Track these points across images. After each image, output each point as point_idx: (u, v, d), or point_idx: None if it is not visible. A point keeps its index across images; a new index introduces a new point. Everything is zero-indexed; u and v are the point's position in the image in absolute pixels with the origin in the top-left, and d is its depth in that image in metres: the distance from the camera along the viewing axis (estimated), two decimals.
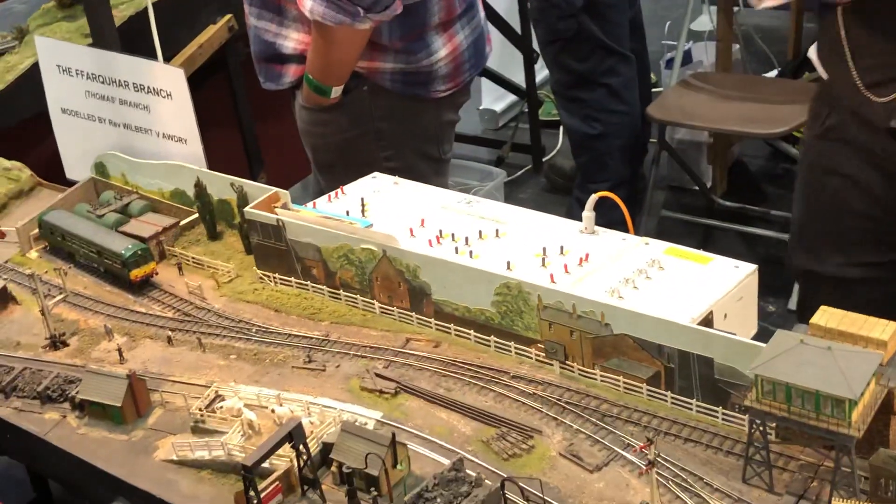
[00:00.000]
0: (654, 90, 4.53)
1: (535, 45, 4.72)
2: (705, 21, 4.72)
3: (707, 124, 3.86)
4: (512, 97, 5.03)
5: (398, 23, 2.26)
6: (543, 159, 4.76)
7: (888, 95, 1.85)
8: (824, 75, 2.01)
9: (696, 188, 4.28)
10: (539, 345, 1.63)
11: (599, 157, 4.02)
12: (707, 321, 1.59)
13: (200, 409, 1.57)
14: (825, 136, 2.03)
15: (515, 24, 4.46)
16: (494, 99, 5.06)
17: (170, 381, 1.70)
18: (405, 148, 2.43)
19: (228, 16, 3.28)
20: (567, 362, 1.61)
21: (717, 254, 1.72)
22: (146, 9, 2.97)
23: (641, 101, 4.22)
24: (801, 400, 1.27)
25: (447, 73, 2.40)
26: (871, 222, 2.01)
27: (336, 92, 2.32)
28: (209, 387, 1.64)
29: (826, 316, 1.38)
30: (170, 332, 1.81)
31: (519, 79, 4.72)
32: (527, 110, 4.73)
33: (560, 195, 4.44)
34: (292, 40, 2.38)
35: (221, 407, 1.57)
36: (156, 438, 1.59)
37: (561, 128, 4.77)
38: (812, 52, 2.05)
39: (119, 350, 1.77)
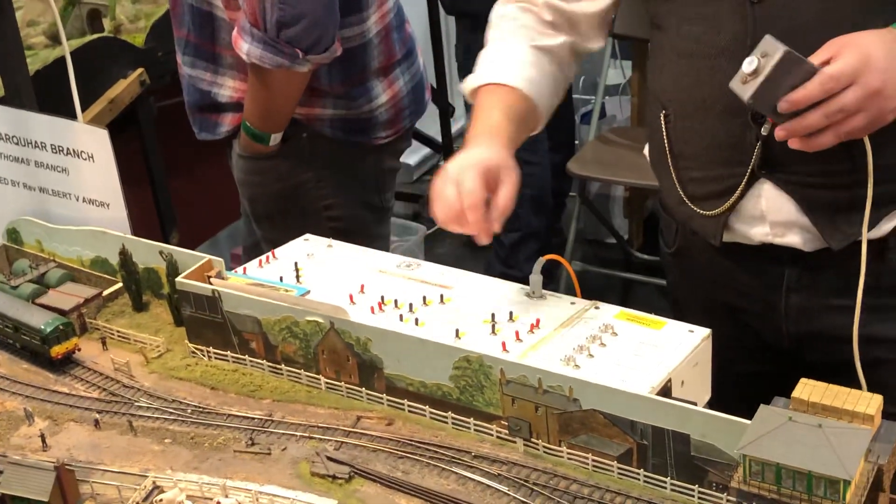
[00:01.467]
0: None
1: (451, 99, 4.70)
2: (616, 75, 4.76)
3: (625, 179, 3.87)
4: (426, 150, 4.99)
5: (338, 67, 2.20)
6: None
7: (715, 209, 1.71)
8: (658, 183, 1.87)
9: (614, 241, 4.28)
10: (501, 421, 1.55)
11: None
12: (666, 389, 1.54)
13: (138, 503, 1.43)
14: (679, 255, 1.91)
15: (431, 76, 4.43)
16: (409, 152, 5.00)
17: (100, 471, 1.56)
18: (346, 196, 2.37)
19: (140, 69, 3.17)
20: (532, 439, 1.53)
21: (637, 308, 1.69)
22: (54, 63, 2.85)
23: (564, 148, 4.21)
24: (791, 481, 1.22)
25: (387, 119, 2.35)
26: (735, 350, 1.85)
27: (275, 139, 2.24)
28: (144, 475, 1.51)
29: (808, 389, 1.33)
30: (97, 415, 1.67)
31: (434, 132, 4.69)
32: (442, 163, 4.68)
33: (478, 250, 4.39)
34: (228, 88, 2.30)
35: (161, 500, 1.44)
36: None
37: None
38: (647, 151, 1.92)
39: (42, 436, 1.62)
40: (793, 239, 1.68)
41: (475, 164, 1.58)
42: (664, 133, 1.74)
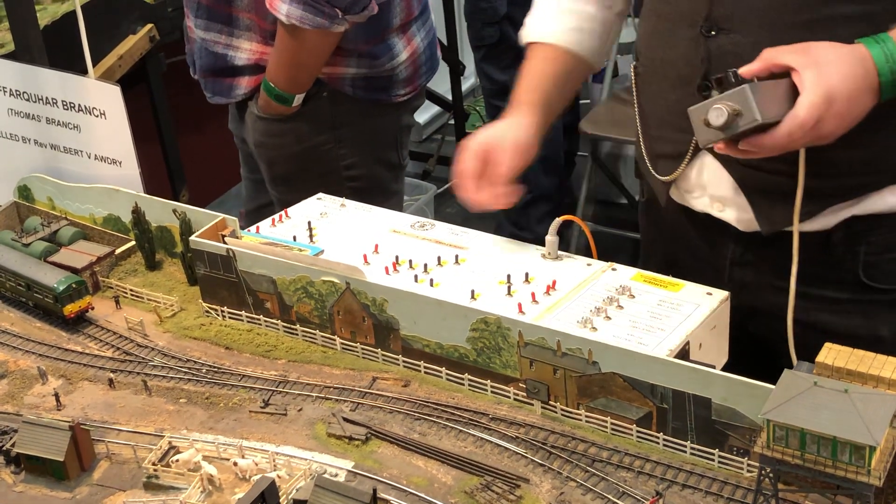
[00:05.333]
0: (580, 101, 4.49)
1: (461, 56, 4.64)
2: (629, 33, 4.69)
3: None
4: (435, 109, 4.94)
5: (362, 25, 2.17)
6: None
7: (670, 174, 1.69)
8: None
9: (625, 202, 4.25)
10: (519, 384, 1.54)
11: None
12: (683, 352, 1.52)
13: (154, 464, 1.42)
14: (647, 204, 1.90)
15: (442, 34, 4.37)
16: (418, 111, 4.96)
17: (115, 430, 1.55)
18: (366, 155, 2.35)
19: (149, 25, 3.13)
20: (549, 402, 1.52)
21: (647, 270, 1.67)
22: (62, 18, 2.81)
23: (571, 107, 4.17)
24: (816, 446, 1.20)
25: (406, 76, 2.33)
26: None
27: (298, 100, 2.21)
28: (159, 435, 1.50)
29: (832, 354, 1.31)
30: (111, 374, 1.66)
31: (444, 90, 4.64)
32: (452, 122, 4.64)
33: (488, 210, 4.36)
34: (245, 51, 2.27)
35: (177, 460, 1.43)
36: (103, 496, 1.44)
37: None
38: None
39: (56, 395, 1.62)
40: (730, 215, 1.68)
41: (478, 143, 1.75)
42: (633, 84, 1.76)
